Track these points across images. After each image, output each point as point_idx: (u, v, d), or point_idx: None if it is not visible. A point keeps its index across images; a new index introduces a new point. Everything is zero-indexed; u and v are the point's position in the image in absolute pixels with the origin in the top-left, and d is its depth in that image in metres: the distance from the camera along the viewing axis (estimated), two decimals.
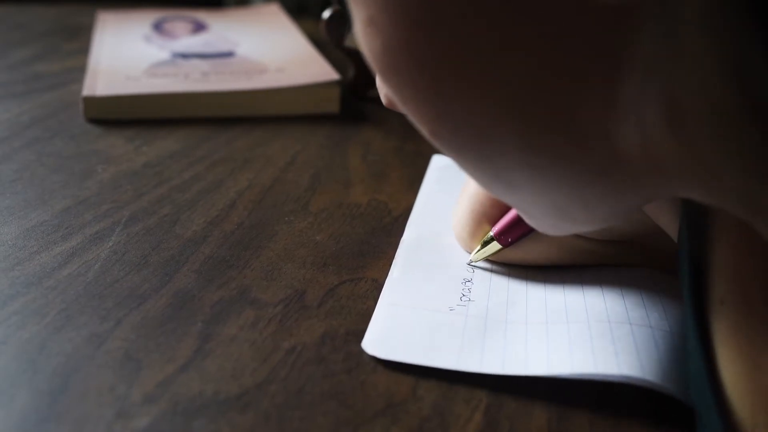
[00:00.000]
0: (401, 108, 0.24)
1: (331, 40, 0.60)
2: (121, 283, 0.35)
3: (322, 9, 0.61)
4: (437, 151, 0.53)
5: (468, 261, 0.38)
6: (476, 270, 0.37)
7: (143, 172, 0.47)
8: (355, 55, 0.61)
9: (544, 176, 0.23)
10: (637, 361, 0.29)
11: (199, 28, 0.76)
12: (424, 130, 0.24)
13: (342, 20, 0.59)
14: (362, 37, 0.22)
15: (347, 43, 0.57)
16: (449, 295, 0.35)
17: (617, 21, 0.18)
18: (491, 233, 0.36)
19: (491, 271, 0.37)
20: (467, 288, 0.35)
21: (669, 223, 0.30)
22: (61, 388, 0.28)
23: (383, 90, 0.29)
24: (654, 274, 0.36)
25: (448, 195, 0.44)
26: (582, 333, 0.31)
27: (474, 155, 0.23)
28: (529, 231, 0.36)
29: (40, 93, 0.61)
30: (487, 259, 0.38)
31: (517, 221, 0.35)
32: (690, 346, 0.26)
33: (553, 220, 0.26)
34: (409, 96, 0.22)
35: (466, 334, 0.32)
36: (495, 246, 0.36)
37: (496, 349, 0.31)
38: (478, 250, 0.37)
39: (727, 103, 0.17)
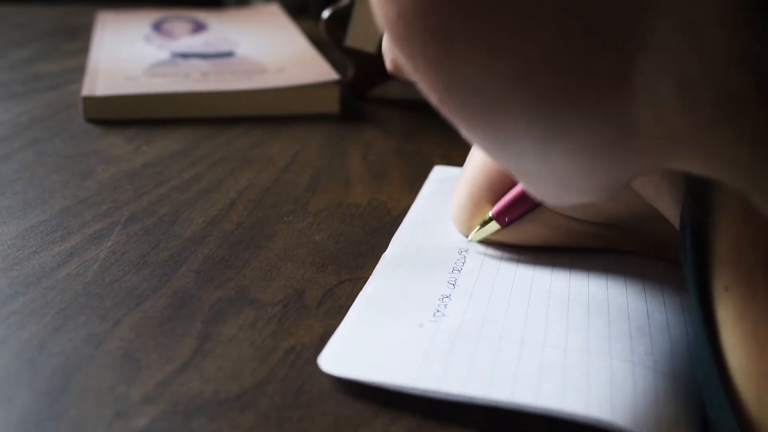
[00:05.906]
0: (410, 74, 0.24)
1: (331, 40, 0.60)
2: (120, 283, 0.35)
3: (322, 9, 0.61)
4: (438, 152, 0.53)
5: (468, 239, 0.39)
6: (456, 286, 0.35)
7: (143, 172, 0.47)
8: (355, 55, 0.61)
9: (552, 148, 0.23)
10: (608, 402, 0.27)
11: (198, 28, 0.76)
12: (432, 98, 0.24)
13: (342, 20, 0.59)
14: (378, 3, 0.22)
15: (347, 42, 0.57)
16: (422, 311, 0.33)
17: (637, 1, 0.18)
18: (490, 213, 0.37)
19: (474, 284, 0.35)
20: (443, 304, 0.33)
21: (668, 205, 0.30)
22: (61, 388, 0.28)
23: (391, 55, 0.29)
24: (647, 271, 0.36)
25: (441, 211, 0.42)
26: (557, 361, 0.29)
27: (482, 125, 0.23)
28: (526, 211, 0.36)
29: (40, 93, 0.61)
30: (484, 241, 0.39)
31: (515, 202, 0.36)
32: (696, 331, 0.26)
33: (555, 190, 0.26)
34: (420, 65, 0.22)
35: (431, 351, 0.30)
36: (493, 226, 0.37)
37: (460, 367, 0.29)
38: (477, 230, 0.38)
39: (739, 88, 0.18)
